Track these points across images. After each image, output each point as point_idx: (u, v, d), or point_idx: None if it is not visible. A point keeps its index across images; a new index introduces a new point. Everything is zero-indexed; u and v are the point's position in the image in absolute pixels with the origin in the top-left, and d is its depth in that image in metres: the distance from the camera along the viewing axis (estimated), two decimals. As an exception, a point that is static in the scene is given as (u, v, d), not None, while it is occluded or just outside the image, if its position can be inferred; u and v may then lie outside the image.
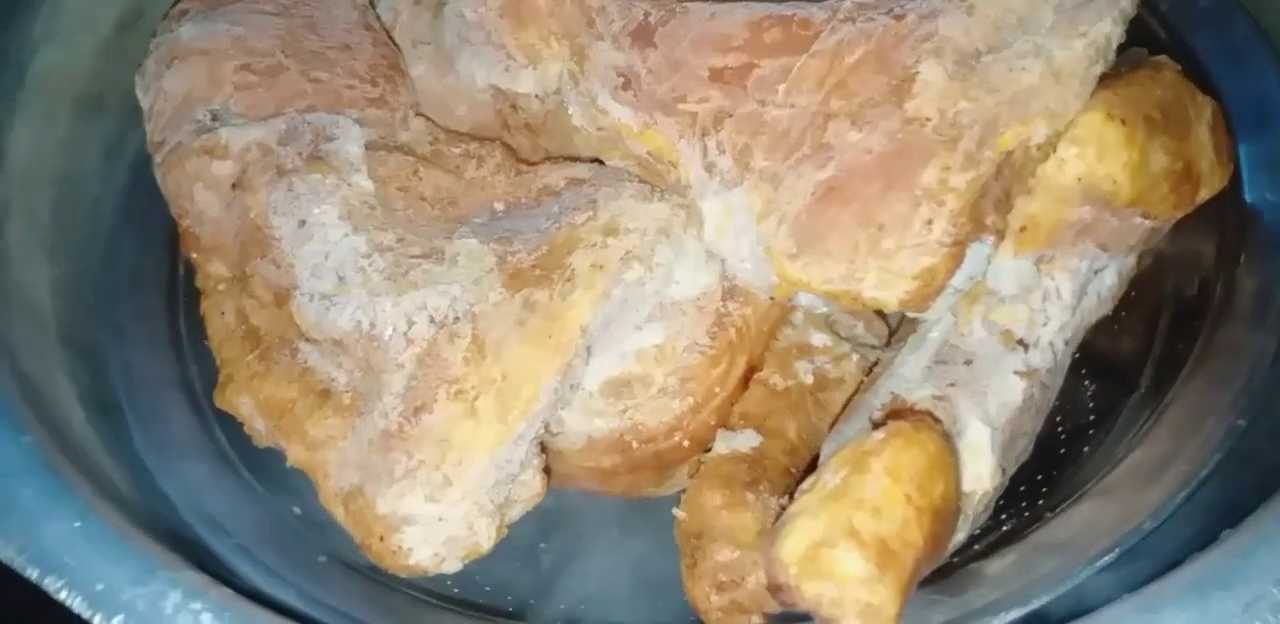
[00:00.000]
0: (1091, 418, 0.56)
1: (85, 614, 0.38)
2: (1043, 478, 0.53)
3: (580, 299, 0.44)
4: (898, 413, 0.45)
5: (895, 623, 0.38)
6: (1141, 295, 0.56)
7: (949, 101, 0.44)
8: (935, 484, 0.39)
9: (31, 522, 0.39)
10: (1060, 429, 0.55)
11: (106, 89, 0.58)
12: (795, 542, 0.38)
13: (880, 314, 0.56)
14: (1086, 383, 0.56)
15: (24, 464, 0.41)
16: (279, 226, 0.48)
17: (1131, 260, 0.54)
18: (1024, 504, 0.52)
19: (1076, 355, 0.53)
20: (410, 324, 0.45)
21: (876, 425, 0.45)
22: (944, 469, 0.40)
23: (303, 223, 0.47)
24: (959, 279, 0.45)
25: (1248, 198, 0.55)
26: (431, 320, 0.45)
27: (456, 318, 0.45)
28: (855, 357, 0.54)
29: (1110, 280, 0.53)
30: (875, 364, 0.54)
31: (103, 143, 0.58)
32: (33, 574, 0.39)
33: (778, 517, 0.43)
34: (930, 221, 0.43)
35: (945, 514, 0.40)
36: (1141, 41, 0.56)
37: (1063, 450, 0.55)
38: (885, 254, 0.43)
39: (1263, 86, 0.57)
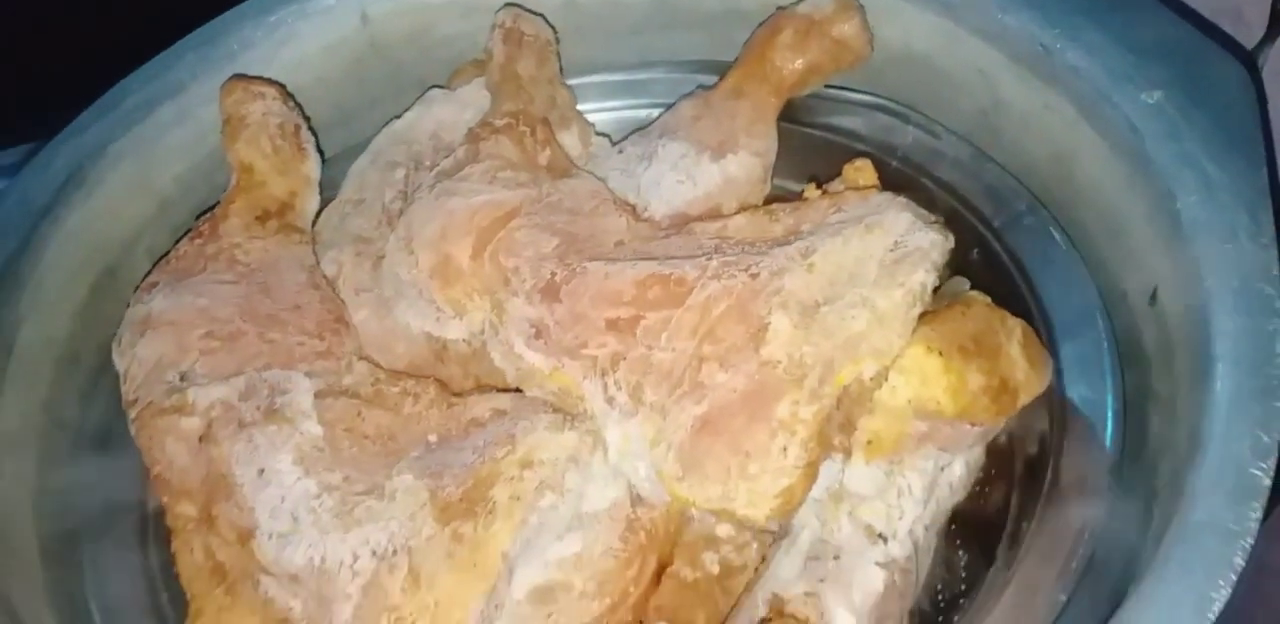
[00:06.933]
0: (963, 588, 0.60)
1: None
2: (920, 649, 0.58)
3: (501, 529, 0.49)
4: (776, 611, 0.52)
5: None
6: (998, 474, 0.61)
7: (795, 346, 0.51)
8: (803, 678, 0.47)
9: None
10: (940, 598, 0.59)
11: (82, 346, 0.63)
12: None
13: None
14: (961, 553, 0.61)
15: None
16: (241, 475, 0.53)
17: (978, 451, 0.60)
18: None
19: (954, 527, 0.59)
20: (356, 558, 0.49)
21: (757, 626, 0.51)
22: (809, 663, 0.47)
23: (261, 471, 0.53)
24: (816, 491, 0.52)
25: (1066, 392, 0.61)
26: (374, 554, 0.49)
27: (395, 551, 0.49)
28: (755, 544, 0.58)
29: (959, 471, 0.59)
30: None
31: (78, 394, 0.63)
32: None
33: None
34: (785, 448, 0.49)
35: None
36: (981, 252, 0.66)
37: (940, 619, 0.59)
38: (752, 477, 0.49)
39: (1075, 293, 0.64)
